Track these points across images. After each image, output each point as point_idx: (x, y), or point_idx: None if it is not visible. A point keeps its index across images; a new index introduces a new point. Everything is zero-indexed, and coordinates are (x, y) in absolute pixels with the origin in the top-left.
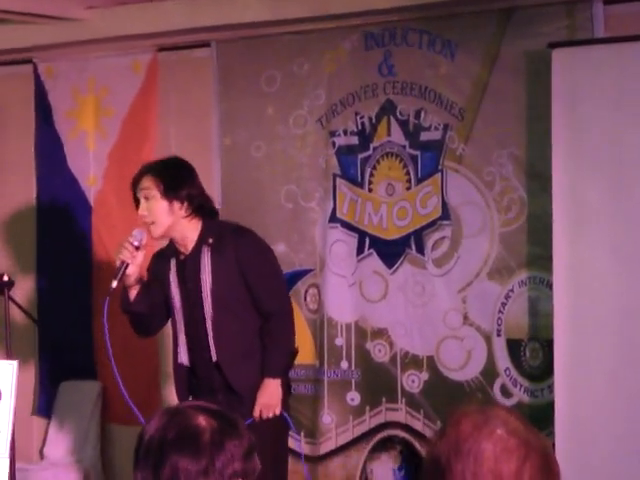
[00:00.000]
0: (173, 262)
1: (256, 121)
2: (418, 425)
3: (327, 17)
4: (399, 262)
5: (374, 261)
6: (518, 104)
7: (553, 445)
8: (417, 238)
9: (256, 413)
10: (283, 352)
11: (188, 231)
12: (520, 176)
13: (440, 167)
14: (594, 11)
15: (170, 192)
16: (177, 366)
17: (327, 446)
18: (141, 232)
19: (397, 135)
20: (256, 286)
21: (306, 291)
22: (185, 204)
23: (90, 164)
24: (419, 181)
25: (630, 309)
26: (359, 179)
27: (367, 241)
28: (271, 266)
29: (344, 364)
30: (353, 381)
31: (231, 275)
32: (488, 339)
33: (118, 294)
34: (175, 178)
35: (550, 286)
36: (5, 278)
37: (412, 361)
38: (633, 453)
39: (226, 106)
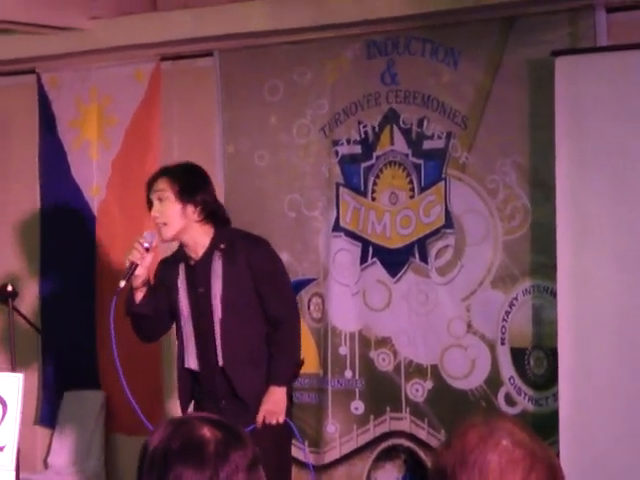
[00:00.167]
0: (182, 268)
1: (259, 130)
2: (422, 434)
3: (329, 26)
4: (403, 271)
5: (378, 270)
6: (521, 112)
7: (557, 454)
8: (420, 247)
9: (260, 419)
10: (290, 361)
11: (199, 236)
12: (523, 184)
13: (443, 175)
14: (597, 19)
15: (185, 195)
16: (182, 371)
17: (331, 455)
18: (152, 234)
19: (400, 144)
20: (267, 293)
21: (310, 300)
22: (199, 208)
23: (93, 173)
24: (422, 190)
25: (634, 317)
26: (362, 188)
27: (370, 250)
28: (282, 275)
29: (348, 373)
30: (357, 390)
31: (242, 280)
32: (492, 348)
33: (124, 297)
34: (191, 182)
35: (554, 294)
36: (9, 288)
37: (416, 370)
38: (639, 461)
39: (229, 115)
